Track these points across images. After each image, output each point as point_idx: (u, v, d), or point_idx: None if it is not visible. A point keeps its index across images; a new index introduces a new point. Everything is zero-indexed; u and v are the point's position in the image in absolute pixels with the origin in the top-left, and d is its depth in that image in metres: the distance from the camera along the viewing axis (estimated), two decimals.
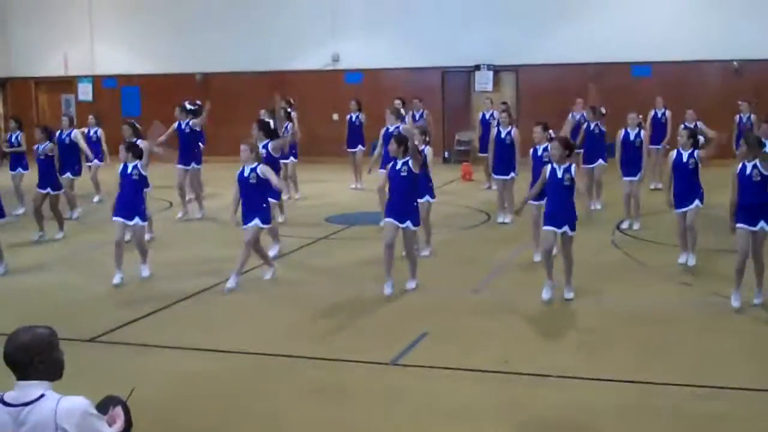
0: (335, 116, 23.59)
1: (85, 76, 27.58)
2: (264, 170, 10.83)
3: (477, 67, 24.40)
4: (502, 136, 14.87)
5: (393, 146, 10.55)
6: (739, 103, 18.13)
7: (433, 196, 12.42)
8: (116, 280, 11.16)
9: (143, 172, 11.38)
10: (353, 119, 19.56)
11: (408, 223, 10.45)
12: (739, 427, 6.51)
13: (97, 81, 27.53)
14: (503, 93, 24.22)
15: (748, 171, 9.46)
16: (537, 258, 11.75)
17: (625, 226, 14.25)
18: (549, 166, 10.10)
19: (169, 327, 9.48)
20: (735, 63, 22.58)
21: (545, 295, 10.09)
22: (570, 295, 10.13)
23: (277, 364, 8.17)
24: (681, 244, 11.71)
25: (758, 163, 9.41)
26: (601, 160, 15.75)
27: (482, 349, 8.47)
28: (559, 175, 9.95)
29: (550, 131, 11.89)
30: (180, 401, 7.27)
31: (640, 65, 23.18)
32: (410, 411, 6.99)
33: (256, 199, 10.90)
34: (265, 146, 12.18)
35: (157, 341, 8.88)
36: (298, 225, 14.92)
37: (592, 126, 16.00)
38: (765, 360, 8.08)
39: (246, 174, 10.86)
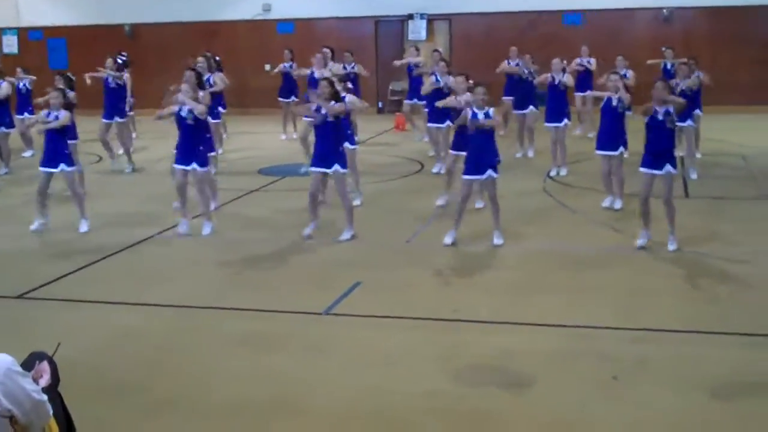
0: (267, 67, 23.31)
1: (10, 29, 26.89)
2: (199, 109, 10.83)
3: (410, 16, 24.31)
4: (440, 82, 14.75)
5: (323, 87, 10.46)
6: (663, 49, 18.32)
7: (353, 143, 12.41)
8: (34, 226, 11.15)
9: (64, 122, 11.01)
10: (287, 68, 19.37)
11: (336, 167, 10.43)
12: (664, 368, 6.65)
13: (23, 33, 26.84)
14: (437, 42, 24.19)
15: (660, 117, 9.63)
16: (441, 202, 11.90)
17: (552, 173, 14.41)
18: (469, 111, 10.15)
19: (99, 281, 9.37)
20: (665, 10, 22.80)
21: (448, 240, 10.24)
22: (499, 241, 10.25)
23: (208, 317, 8.14)
24: (606, 187, 11.93)
25: (671, 109, 9.61)
26: (532, 107, 15.87)
27: (416, 297, 8.52)
28: (480, 118, 10.02)
29: (470, 81, 11.85)
30: (108, 356, 7.21)
31: (571, 13, 23.29)
32: (342, 359, 7.02)
33: (193, 140, 10.89)
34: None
35: (86, 296, 8.77)
36: (231, 175, 14.81)
37: (527, 72, 16.10)
38: (690, 302, 8.27)
39: (184, 114, 10.76)
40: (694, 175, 13.80)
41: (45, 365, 4.20)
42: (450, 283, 9.08)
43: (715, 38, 22.43)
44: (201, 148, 10.97)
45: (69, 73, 14.09)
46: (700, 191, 12.97)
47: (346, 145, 11.95)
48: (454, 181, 12.00)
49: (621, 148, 11.66)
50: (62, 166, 11.03)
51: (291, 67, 19.18)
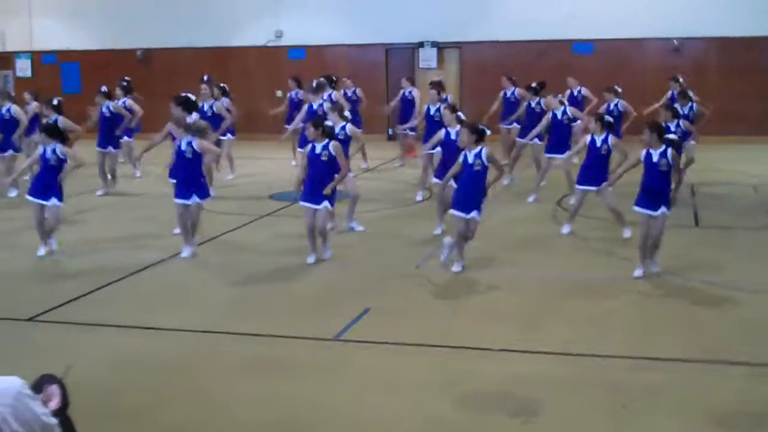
0: (278, 93, 23.43)
1: (24, 52, 27.10)
2: (200, 143, 10.90)
3: (421, 44, 24.44)
4: (431, 113, 14.80)
5: (311, 130, 10.59)
6: (670, 80, 18.32)
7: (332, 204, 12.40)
8: (41, 252, 11.24)
9: (61, 156, 10.97)
10: (293, 97, 19.45)
11: (325, 204, 10.57)
12: (671, 397, 6.65)
13: (36, 57, 27.08)
14: (447, 69, 24.33)
15: (654, 159, 9.73)
16: (436, 231, 12.02)
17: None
18: (462, 153, 10.24)
19: (108, 305, 9.40)
20: (675, 41, 22.88)
21: (456, 267, 10.34)
22: (458, 268, 10.34)
23: (217, 341, 8.16)
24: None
25: (667, 153, 9.70)
26: (537, 139, 15.88)
27: (425, 324, 8.53)
28: (470, 160, 10.13)
29: (459, 113, 11.93)
30: (117, 380, 7.23)
31: (581, 42, 23.38)
32: (351, 385, 7.03)
33: (191, 173, 10.95)
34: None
35: (95, 320, 8.79)
36: (242, 200, 14.87)
37: (533, 104, 16.17)
38: (697, 331, 8.26)
39: (183, 147, 10.85)
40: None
41: (55, 388, 4.21)
42: (459, 309, 9.09)
43: (725, 69, 22.49)
44: (201, 179, 11.07)
45: (55, 99, 14.19)
46: (709, 221, 12.97)
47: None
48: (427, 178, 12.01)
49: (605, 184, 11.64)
50: (53, 200, 11.08)
51: (297, 95, 19.25)
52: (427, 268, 10.68)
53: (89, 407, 5.84)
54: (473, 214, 10.17)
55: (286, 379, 7.16)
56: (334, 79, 18.40)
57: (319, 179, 10.55)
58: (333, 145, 10.58)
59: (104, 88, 16.98)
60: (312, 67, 23.94)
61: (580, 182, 11.91)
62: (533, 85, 16.59)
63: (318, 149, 10.49)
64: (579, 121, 15.99)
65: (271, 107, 21.04)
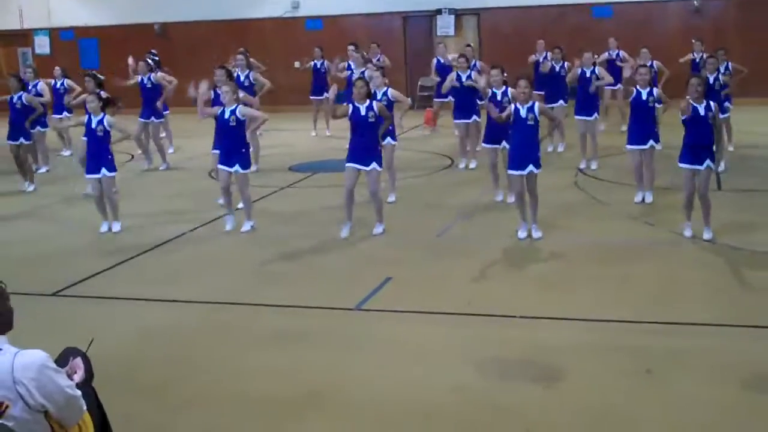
0: (297, 64, 23.35)
1: (42, 29, 27.14)
2: (244, 110, 10.94)
3: (438, 11, 24.26)
4: (463, 80, 14.71)
5: (358, 87, 10.51)
6: (693, 41, 18.10)
7: (394, 139, 12.54)
8: (103, 228, 11.32)
9: (107, 127, 11.09)
10: (317, 66, 19.40)
11: (374, 165, 10.48)
12: (696, 361, 6.61)
13: (54, 33, 27.10)
14: (465, 37, 24.13)
15: (702, 112, 9.58)
16: (498, 198, 11.93)
17: (582, 166, 14.35)
18: (512, 106, 10.16)
19: (132, 279, 9.45)
20: (695, 2, 22.60)
21: (521, 234, 10.26)
22: (538, 234, 10.28)
23: (239, 313, 8.18)
24: (637, 181, 11.86)
25: (712, 105, 9.60)
26: (561, 101, 15.81)
27: (446, 292, 8.53)
28: (523, 114, 10.02)
29: (505, 74, 11.89)
30: (141, 352, 7.27)
31: (600, 6, 23.16)
32: (374, 354, 7.04)
33: (235, 142, 10.93)
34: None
35: (119, 293, 8.85)
36: (262, 173, 14.88)
37: (557, 67, 16.04)
38: (722, 294, 8.20)
39: (226, 116, 10.83)
40: (722, 167, 13.68)
41: (79, 361, 4.25)
42: (479, 277, 9.05)
43: (746, 29, 22.18)
44: (243, 150, 11.03)
45: (95, 73, 14.23)
46: (731, 184, 12.80)
47: (388, 140, 12.09)
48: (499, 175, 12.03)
49: (651, 142, 11.58)
50: (104, 171, 11.12)
51: (323, 64, 19.22)
52: (447, 237, 10.66)
53: (113, 380, 5.90)
54: (530, 168, 10.10)
55: (309, 350, 7.17)
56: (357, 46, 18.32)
57: (365, 140, 10.49)
58: (376, 104, 10.55)
59: (149, 59, 16.91)
60: (329, 38, 23.86)
61: (632, 142, 11.78)
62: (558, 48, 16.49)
63: (363, 111, 10.45)
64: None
65: (288, 78, 21.01)
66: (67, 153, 17.73)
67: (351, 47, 17.54)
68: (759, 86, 21.18)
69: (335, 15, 24.69)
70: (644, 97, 11.44)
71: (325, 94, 19.07)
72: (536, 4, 23.35)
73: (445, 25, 24.32)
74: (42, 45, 27.18)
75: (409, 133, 19.37)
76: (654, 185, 11.83)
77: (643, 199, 11.76)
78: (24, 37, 27.32)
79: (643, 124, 11.54)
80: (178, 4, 25.36)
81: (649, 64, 15.58)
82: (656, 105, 11.62)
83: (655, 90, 11.56)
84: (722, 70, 14.63)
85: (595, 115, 14.36)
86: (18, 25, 27.17)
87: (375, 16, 24.55)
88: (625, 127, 17.94)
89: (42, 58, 26.79)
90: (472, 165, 14.80)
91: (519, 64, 17.95)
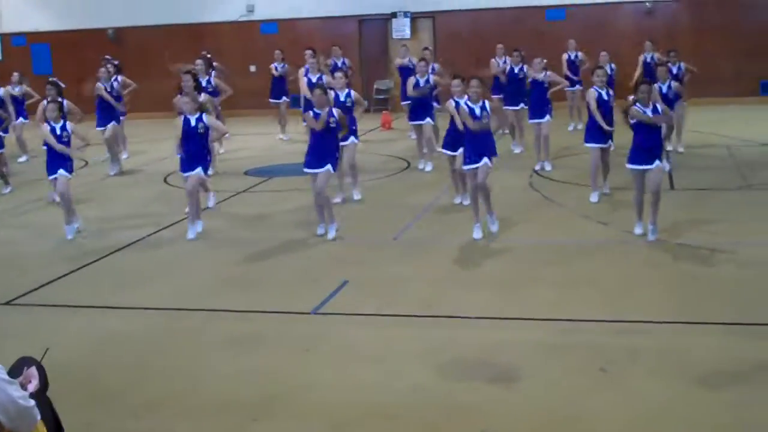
0: (252, 68, 23.31)
1: None
2: (210, 121, 11.12)
3: (394, 15, 24.32)
4: (421, 84, 14.82)
5: (318, 95, 10.67)
6: (646, 43, 18.39)
7: (357, 138, 12.96)
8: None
9: (69, 132, 11.18)
10: (278, 69, 19.35)
11: (328, 167, 10.61)
12: (652, 359, 6.70)
13: (5, 39, 26.76)
14: (421, 40, 24.20)
15: (649, 113, 9.79)
16: (456, 201, 12.02)
17: (537, 168, 14.47)
18: (465, 106, 10.28)
19: (86, 286, 9.37)
20: (648, 4, 22.88)
21: (477, 235, 10.37)
22: (495, 226, 10.53)
23: (195, 318, 8.15)
24: (594, 181, 12.01)
25: (658, 107, 9.95)
26: (522, 104, 15.91)
27: (403, 294, 8.55)
28: (477, 112, 10.18)
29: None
30: (97, 360, 7.21)
31: (554, 9, 23.35)
32: (330, 357, 7.04)
33: (200, 148, 11.01)
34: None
35: (73, 301, 8.76)
36: (218, 177, 14.81)
37: (516, 70, 16.15)
38: (675, 292, 8.30)
39: (192, 124, 10.85)
40: (667, 167, 13.87)
41: (33, 370, 4.21)
42: (436, 279, 9.09)
43: (698, 30, 22.51)
44: (208, 157, 11.25)
45: (55, 80, 14.11)
46: (685, 183, 13.03)
47: (351, 139, 12.49)
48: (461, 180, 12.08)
49: (610, 141, 11.85)
50: (61, 171, 11.16)
51: (283, 67, 19.17)
52: (403, 239, 10.69)
53: (69, 388, 5.86)
54: (485, 160, 10.23)
55: (266, 355, 7.16)
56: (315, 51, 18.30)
57: (325, 144, 10.63)
58: (336, 112, 10.70)
59: (114, 63, 16.88)
60: (285, 41, 23.80)
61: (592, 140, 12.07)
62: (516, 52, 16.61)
63: (324, 116, 10.56)
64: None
65: (244, 82, 20.93)
66: (23, 159, 17.54)
67: (308, 52, 17.53)
68: (712, 87, 21.49)
69: (290, 18, 24.65)
70: (605, 97, 11.71)
71: (284, 98, 19.15)
72: (491, 7, 23.48)
73: (400, 28, 24.38)
74: None
75: (366, 136, 19.38)
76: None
77: (599, 200, 11.93)
78: None
79: (606, 122, 11.80)
80: (132, 9, 25.16)
81: (607, 66, 15.80)
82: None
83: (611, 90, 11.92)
84: (675, 71, 14.85)
85: (547, 117, 14.47)
86: None
87: (330, 20, 24.54)
88: (572, 126, 18.26)
89: None
90: (428, 167, 14.86)
91: (475, 65, 18.03)
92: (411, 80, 14.90)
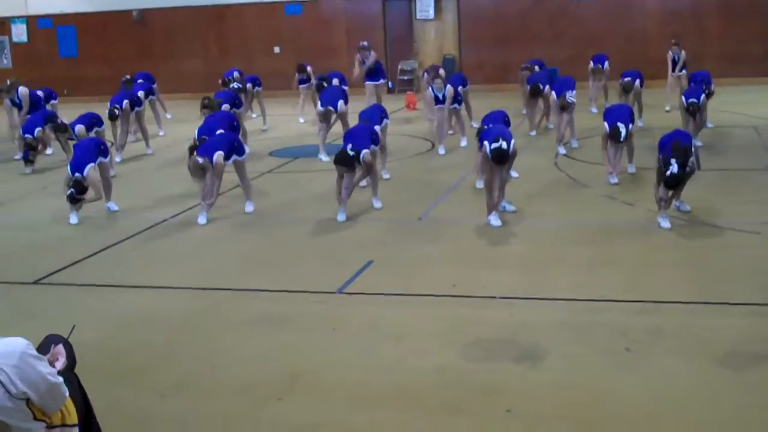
0: (276, 49, 23.33)
1: (19, 17, 26.95)
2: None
3: None
4: (440, 98, 15.03)
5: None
6: (672, 42, 18.33)
7: (387, 117, 13.27)
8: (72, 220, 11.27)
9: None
10: (365, 62, 18.84)
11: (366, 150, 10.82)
12: (674, 339, 6.68)
13: (32, 21, 26.91)
14: (444, 20, 24.14)
15: None
16: (479, 185, 11.95)
17: (562, 150, 14.37)
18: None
19: (114, 266, 9.45)
20: None
21: (495, 222, 10.21)
22: (512, 207, 10.56)
23: (221, 298, 8.21)
24: (612, 164, 11.99)
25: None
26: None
27: (428, 274, 8.57)
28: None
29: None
30: (123, 339, 7.28)
31: None
32: (355, 336, 7.08)
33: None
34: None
35: (101, 280, 8.84)
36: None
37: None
38: (699, 273, 8.28)
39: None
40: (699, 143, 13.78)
41: (61, 348, 4.26)
42: (461, 258, 9.10)
43: (726, 9, 22.27)
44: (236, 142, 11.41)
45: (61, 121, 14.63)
46: (712, 163, 12.94)
47: (384, 121, 12.92)
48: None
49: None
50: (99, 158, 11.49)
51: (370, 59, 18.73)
52: (428, 219, 10.70)
53: (96, 366, 5.93)
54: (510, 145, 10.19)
55: (290, 334, 7.20)
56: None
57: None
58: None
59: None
60: (309, 23, 23.86)
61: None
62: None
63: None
64: None
65: (269, 63, 20.96)
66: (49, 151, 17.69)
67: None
68: (739, 67, 21.35)
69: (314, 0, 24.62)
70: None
71: (381, 80, 19.01)
72: None
73: (424, 8, 24.30)
74: (19, 33, 27.00)
75: (391, 116, 19.35)
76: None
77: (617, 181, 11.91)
78: (1, 25, 27.12)
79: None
80: None
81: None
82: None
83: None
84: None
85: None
86: None
87: (354, 1, 24.49)
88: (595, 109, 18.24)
89: (20, 46, 26.66)
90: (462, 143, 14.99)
91: (498, 46, 18.06)
92: (429, 96, 15.29)
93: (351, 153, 10.71)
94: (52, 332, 4.57)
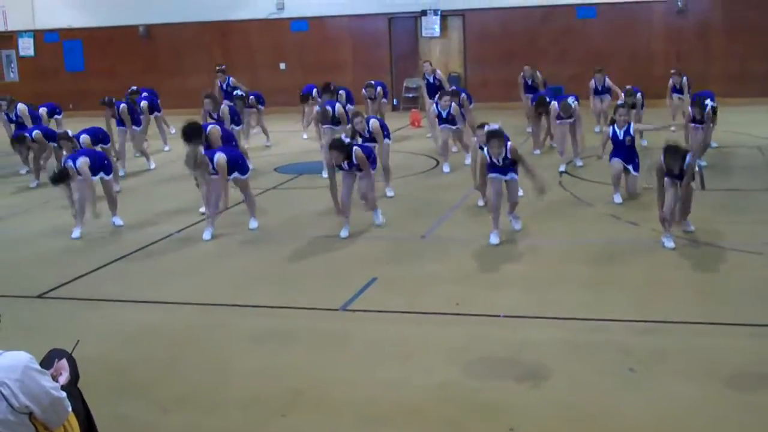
0: (282, 65, 23.38)
1: (26, 31, 27.06)
2: None
3: (423, 12, 24.30)
4: (444, 115, 14.98)
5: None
6: (672, 72, 18.26)
7: (389, 138, 13.27)
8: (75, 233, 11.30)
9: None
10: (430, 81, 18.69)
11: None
12: (679, 359, 6.66)
13: (39, 35, 27.03)
14: (450, 38, 24.21)
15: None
16: (480, 203, 11.94)
17: (561, 168, 14.38)
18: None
19: (118, 280, 9.45)
20: (679, 3, 22.71)
21: (494, 240, 10.22)
22: (518, 225, 10.64)
23: (226, 314, 8.20)
24: (615, 185, 12.00)
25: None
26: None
27: (432, 292, 8.56)
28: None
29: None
30: (127, 353, 7.28)
31: (585, 7, 23.24)
32: (358, 353, 7.06)
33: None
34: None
35: (105, 295, 8.85)
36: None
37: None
38: (704, 293, 8.27)
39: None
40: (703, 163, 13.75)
41: (64, 362, 4.26)
42: (464, 277, 9.09)
43: (730, 29, 22.33)
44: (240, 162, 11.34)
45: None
46: (715, 183, 12.91)
47: (385, 141, 12.91)
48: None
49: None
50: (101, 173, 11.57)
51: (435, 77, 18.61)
52: (432, 237, 10.70)
53: (99, 381, 5.92)
54: (511, 174, 10.38)
55: (293, 350, 7.19)
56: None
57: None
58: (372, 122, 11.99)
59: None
60: (315, 39, 23.92)
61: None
62: None
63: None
64: None
65: (274, 80, 21.03)
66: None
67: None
68: (743, 86, 21.35)
69: (320, 16, 24.70)
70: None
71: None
72: (521, 5, 23.41)
73: (430, 26, 24.37)
74: (26, 47, 27.11)
75: (395, 135, 19.37)
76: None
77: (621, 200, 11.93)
78: (8, 39, 27.24)
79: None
80: (163, 6, 25.33)
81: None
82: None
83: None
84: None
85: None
86: (2, 27, 27.11)
87: (360, 18, 24.58)
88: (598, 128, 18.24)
89: (26, 60, 26.76)
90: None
91: (504, 64, 18.08)
92: (433, 110, 15.47)
93: (346, 140, 10.80)
94: (56, 347, 4.57)
